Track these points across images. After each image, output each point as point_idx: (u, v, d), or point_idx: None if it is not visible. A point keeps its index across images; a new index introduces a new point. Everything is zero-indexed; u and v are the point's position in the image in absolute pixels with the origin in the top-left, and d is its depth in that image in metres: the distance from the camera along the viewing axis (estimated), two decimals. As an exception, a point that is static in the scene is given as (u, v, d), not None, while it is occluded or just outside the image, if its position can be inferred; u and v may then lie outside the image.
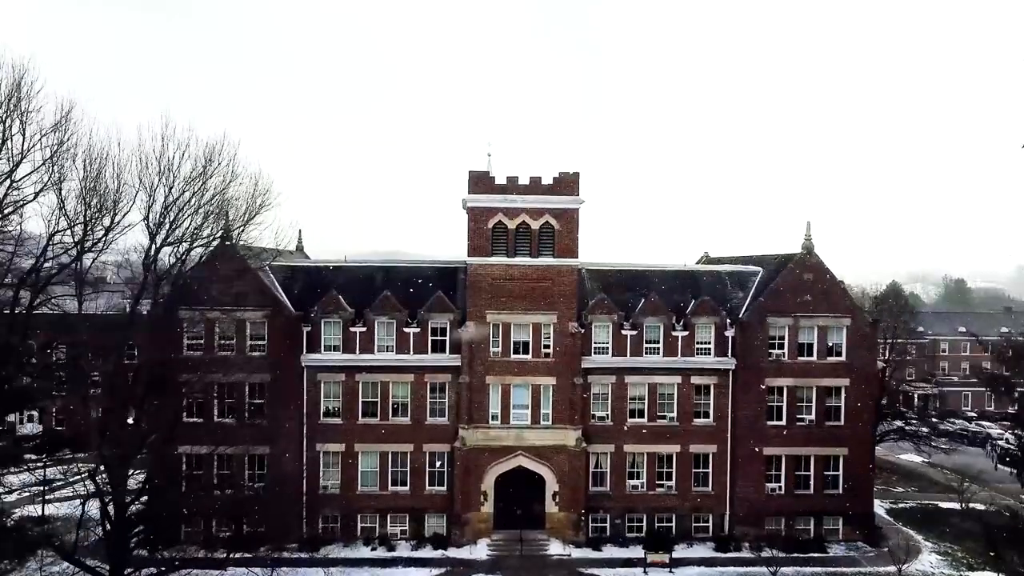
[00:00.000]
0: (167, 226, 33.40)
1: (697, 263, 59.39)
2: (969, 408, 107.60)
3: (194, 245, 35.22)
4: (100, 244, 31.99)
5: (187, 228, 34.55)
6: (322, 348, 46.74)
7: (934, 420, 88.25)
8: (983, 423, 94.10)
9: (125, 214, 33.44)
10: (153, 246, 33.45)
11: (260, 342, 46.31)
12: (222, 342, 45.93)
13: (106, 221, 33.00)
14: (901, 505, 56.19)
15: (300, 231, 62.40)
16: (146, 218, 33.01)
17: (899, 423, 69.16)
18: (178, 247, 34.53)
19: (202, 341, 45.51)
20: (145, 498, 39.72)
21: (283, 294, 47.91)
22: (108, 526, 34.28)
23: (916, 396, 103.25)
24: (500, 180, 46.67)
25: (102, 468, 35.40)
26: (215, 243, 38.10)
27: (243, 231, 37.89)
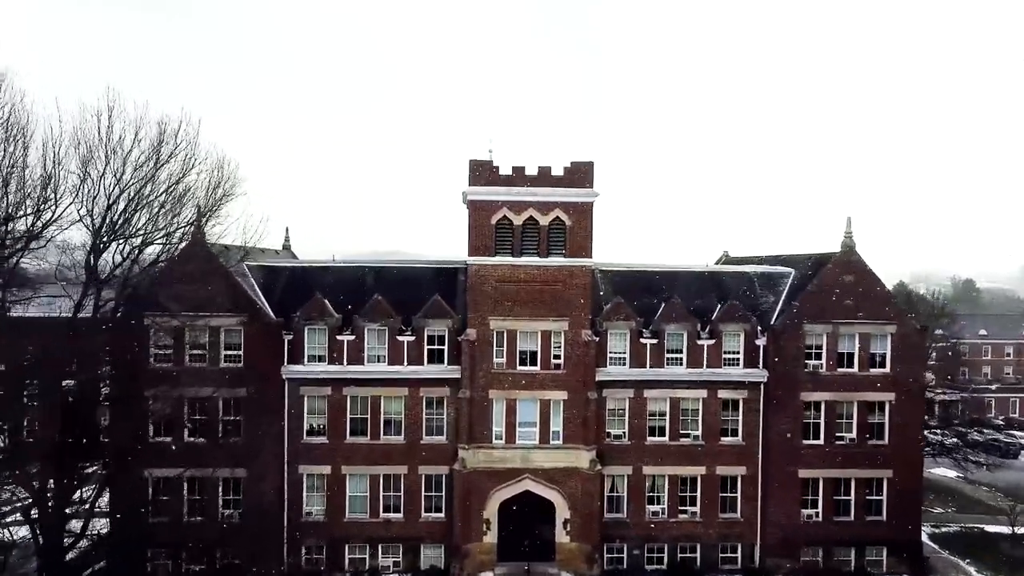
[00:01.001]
0: (113, 220, 28.28)
1: (717, 263, 54.51)
2: (993, 415, 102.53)
3: (148, 242, 30.16)
4: (28, 242, 26.84)
5: (138, 222, 29.42)
6: (305, 358, 41.78)
7: (962, 429, 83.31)
8: (1013, 432, 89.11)
9: (68, 206, 28.41)
10: (99, 243, 28.32)
11: (235, 352, 41.30)
12: (192, 352, 41.01)
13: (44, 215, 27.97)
14: (944, 530, 51.12)
15: (287, 228, 57.61)
16: (89, 212, 27.93)
17: (926, 433, 64.18)
18: (124, 245, 29.48)
19: (170, 351, 40.68)
20: (94, 534, 34.96)
21: (262, 298, 42.92)
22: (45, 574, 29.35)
23: (937, 403, 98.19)
24: (504, 170, 41.71)
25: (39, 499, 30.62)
26: (175, 239, 32.96)
27: (204, 225, 32.86)
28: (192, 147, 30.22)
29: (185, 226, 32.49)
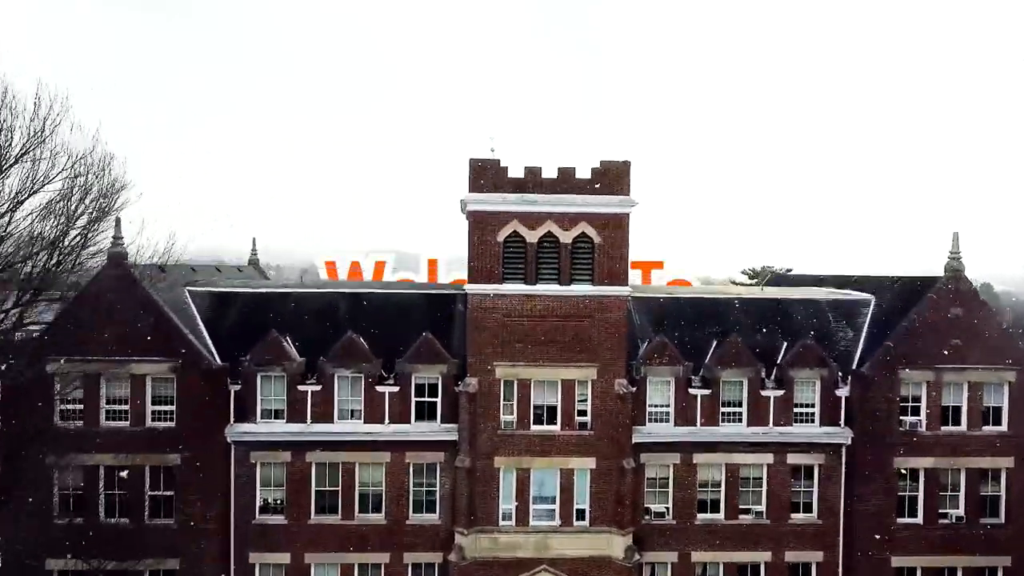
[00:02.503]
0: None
1: (763, 284, 45.31)
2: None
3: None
4: None
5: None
6: (258, 415, 32.59)
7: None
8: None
9: None
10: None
11: (166, 407, 32.21)
12: (110, 408, 31.95)
13: None
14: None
15: (254, 239, 48.77)
16: None
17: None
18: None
19: (80, 407, 31.60)
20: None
21: (205, 335, 33.78)
22: None
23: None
24: (515, 172, 32.53)
25: None
26: (35, 267, 23.71)
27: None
28: (52, 139, 21.00)
29: (51, 246, 23.05)
